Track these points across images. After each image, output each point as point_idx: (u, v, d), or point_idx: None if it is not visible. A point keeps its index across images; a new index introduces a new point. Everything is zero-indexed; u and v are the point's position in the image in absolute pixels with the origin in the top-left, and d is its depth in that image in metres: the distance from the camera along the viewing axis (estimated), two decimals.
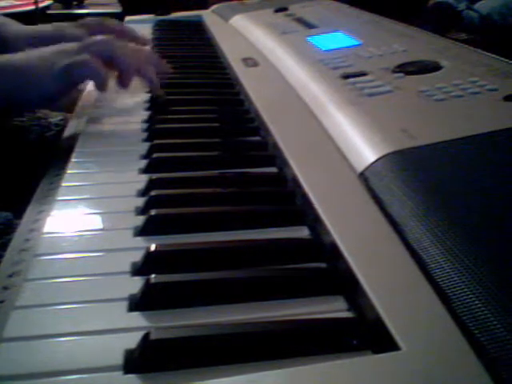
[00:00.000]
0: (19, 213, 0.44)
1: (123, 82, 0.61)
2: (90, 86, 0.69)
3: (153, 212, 0.40)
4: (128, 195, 0.44)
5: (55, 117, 0.74)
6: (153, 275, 0.33)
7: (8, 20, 0.75)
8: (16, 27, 0.74)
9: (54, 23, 0.74)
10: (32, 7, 1.99)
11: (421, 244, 0.33)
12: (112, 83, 0.60)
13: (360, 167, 0.43)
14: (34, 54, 0.57)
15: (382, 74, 0.58)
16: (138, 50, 0.65)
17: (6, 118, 0.67)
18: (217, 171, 0.49)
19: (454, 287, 0.29)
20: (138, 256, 0.36)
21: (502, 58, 0.58)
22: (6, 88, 0.55)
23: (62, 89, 0.57)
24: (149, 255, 0.36)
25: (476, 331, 0.26)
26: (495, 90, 0.49)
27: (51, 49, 0.58)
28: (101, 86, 0.59)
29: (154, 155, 0.51)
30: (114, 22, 0.77)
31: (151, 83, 0.64)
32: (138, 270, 0.35)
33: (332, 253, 0.35)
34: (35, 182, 0.48)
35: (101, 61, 0.57)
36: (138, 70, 0.61)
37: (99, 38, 0.61)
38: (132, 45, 0.64)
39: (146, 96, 0.68)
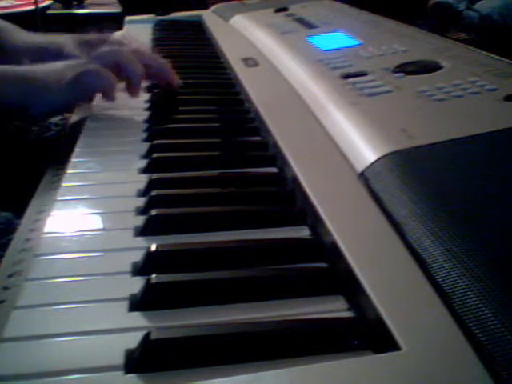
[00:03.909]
0: (19, 213, 0.44)
1: (133, 91, 0.63)
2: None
3: (153, 212, 0.40)
4: (128, 195, 0.44)
5: (55, 117, 0.74)
6: (153, 275, 0.33)
7: (7, 25, 0.75)
8: (15, 35, 0.74)
9: (54, 37, 0.74)
10: (32, 7, 1.99)
11: (421, 244, 0.33)
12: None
13: (360, 167, 0.43)
14: (46, 67, 0.58)
15: (382, 74, 0.58)
16: (142, 54, 0.66)
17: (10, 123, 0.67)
18: (217, 171, 0.49)
19: (455, 287, 0.29)
20: (138, 256, 0.36)
21: (502, 58, 0.58)
22: (17, 99, 0.55)
23: (71, 100, 0.59)
24: (149, 255, 0.36)
25: (477, 331, 0.27)
26: (495, 89, 0.49)
27: (63, 63, 0.59)
28: (109, 96, 0.60)
29: (154, 155, 0.51)
30: (114, 38, 0.77)
31: (165, 80, 0.65)
32: (138, 269, 0.35)
33: (332, 253, 0.35)
34: (35, 182, 0.48)
35: (109, 71, 0.58)
36: (145, 75, 0.62)
37: (106, 49, 0.62)
38: (135, 49, 0.64)
39: (146, 96, 0.68)
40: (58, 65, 0.59)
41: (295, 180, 0.44)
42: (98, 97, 0.66)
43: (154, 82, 0.71)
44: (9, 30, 0.74)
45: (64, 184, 0.46)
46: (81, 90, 0.59)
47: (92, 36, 0.72)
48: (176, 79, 0.66)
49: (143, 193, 0.45)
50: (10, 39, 0.72)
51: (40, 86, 0.57)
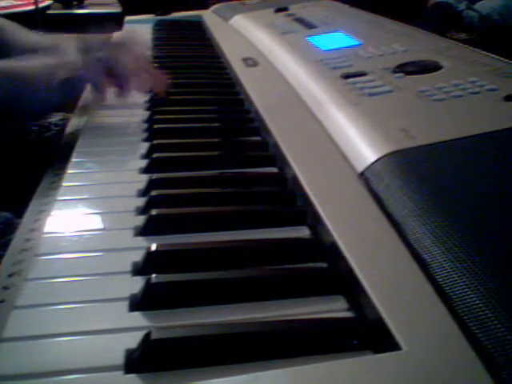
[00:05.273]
0: (19, 213, 0.44)
1: (122, 94, 0.63)
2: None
3: (153, 212, 0.40)
4: (128, 195, 0.44)
5: (55, 117, 0.74)
6: (153, 275, 0.33)
7: (8, 24, 0.75)
8: (15, 34, 0.73)
9: (55, 38, 0.74)
10: (32, 7, 1.99)
11: (421, 244, 0.33)
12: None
13: (360, 167, 0.43)
14: (37, 63, 0.58)
15: (382, 74, 0.58)
16: (138, 61, 0.66)
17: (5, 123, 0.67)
18: (217, 171, 0.49)
19: (455, 287, 0.29)
20: (138, 256, 0.36)
21: (502, 58, 0.58)
22: (6, 95, 0.55)
23: (61, 99, 0.59)
24: (149, 255, 0.36)
25: (477, 331, 0.27)
26: (495, 89, 0.49)
27: (54, 59, 0.59)
28: (99, 99, 0.60)
29: (154, 155, 0.51)
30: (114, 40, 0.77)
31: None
32: (138, 269, 0.35)
33: (332, 253, 0.35)
34: (35, 182, 0.48)
35: (101, 74, 0.59)
36: (136, 82, 0.63)
37: (104, 54, 0.62)
38: (131, 53, 0.64)
39: (146, 96, 0.68)
40: (48, 61, 0.58)
41: (295, 180, 0.44)
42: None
43: None
44: (9, 29, 0.74)
45: (64, 184, 0.46)
46: (71, 92, 0.59)
47: (93, 39, 0.71)
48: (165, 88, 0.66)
49: (143, 193, 0.45)
50: (10, 39, 0.72)
51: (29, 84, 0.56)
